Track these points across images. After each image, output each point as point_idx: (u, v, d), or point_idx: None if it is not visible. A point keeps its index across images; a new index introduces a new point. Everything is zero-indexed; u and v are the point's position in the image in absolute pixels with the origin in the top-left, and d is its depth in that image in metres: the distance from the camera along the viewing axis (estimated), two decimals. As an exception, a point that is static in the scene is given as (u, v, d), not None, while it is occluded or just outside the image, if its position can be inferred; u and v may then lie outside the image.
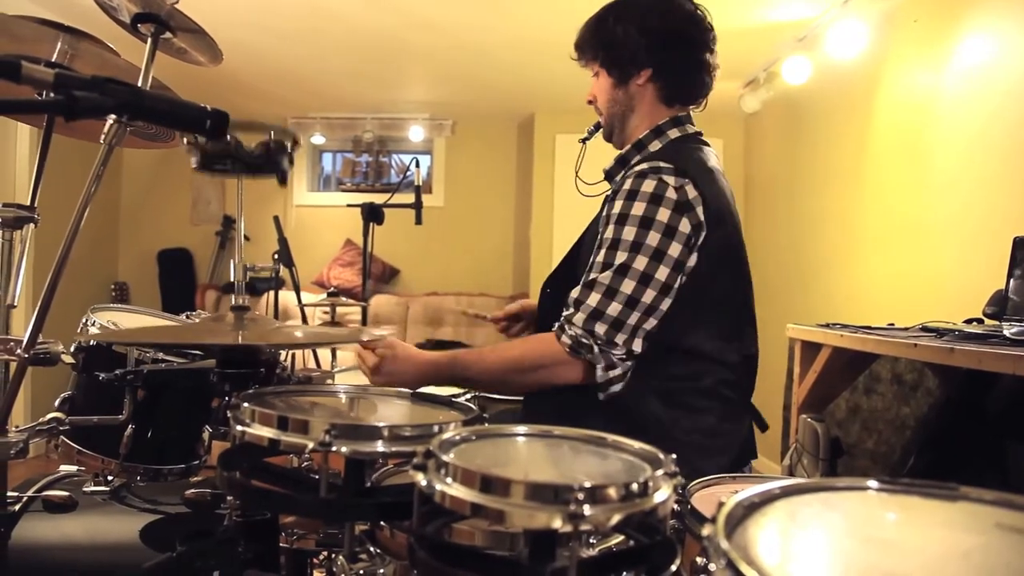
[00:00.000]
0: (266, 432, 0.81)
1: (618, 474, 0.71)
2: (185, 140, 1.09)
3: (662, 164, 1.40)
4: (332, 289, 2.81)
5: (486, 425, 0.81)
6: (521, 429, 0.80)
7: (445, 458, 0.67)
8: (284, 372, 1.47)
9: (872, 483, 0.66)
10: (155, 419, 1.60)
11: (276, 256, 3.16)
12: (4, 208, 1.26)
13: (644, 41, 1.50)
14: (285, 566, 1.11)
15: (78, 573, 1.63)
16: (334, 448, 0.75)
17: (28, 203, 1.39)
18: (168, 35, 1.12)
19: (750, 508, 0.59)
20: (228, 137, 1.05)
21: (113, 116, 1.05)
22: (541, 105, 5.11)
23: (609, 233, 1.39)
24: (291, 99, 5.20)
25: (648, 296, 1.34)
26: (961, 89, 2.60)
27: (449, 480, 0.66)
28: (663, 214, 1.36)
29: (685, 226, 1.36)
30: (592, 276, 1.38)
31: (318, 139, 5.61)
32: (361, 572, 0.91)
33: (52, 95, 0.88)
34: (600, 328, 1.34)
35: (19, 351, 1.15)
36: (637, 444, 0.76)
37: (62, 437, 1.64)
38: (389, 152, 5.84)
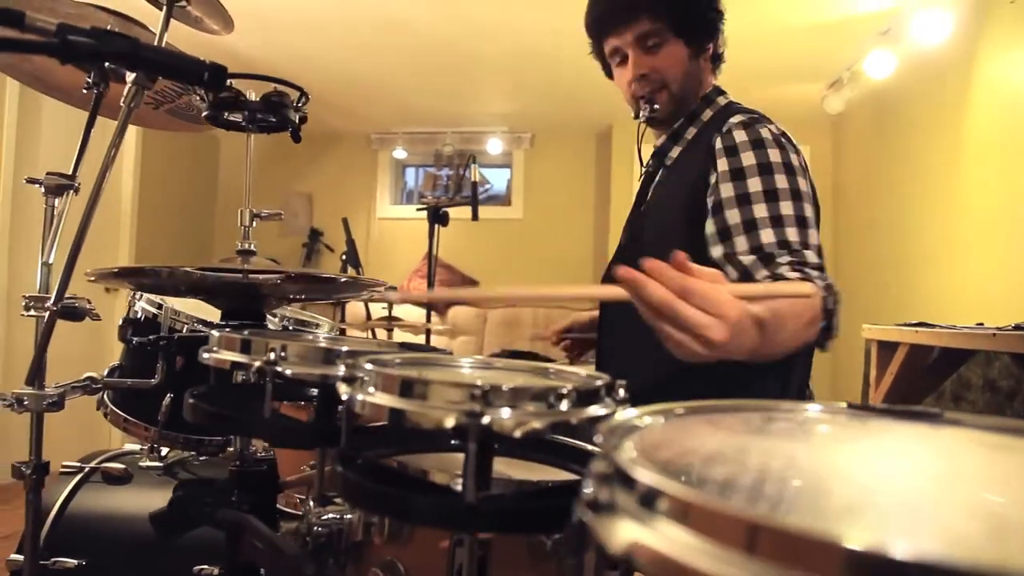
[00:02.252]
0: (228, 356, 0.81)
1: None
2: (196, 96, 1.13)
3: (753, 114, 1.35)
4: (391, 285, 2.85)
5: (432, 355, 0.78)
6: (467, 360, 0.77)
7: (368, 367, 0.65)
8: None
9: (818, 405, 0.59)
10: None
11: (344, 258, 3.26)
12: (48, 176, 1.35)
13: (716, 12, 1.45)
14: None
15: (127, 541, 1.70)
16: (279, 368, 0.74)
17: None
18: (183, 3, 1.17)
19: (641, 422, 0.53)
20: (231, 89, 1.08)
21: (131, 79, 1.10)
22: (619, 115, 5.07)
23: (756, 185, 1.24)
24: (372, 114, 5.38)
25: (814, 237, 1.24)
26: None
27: (371, 389, 0.64)
28: (794, 159, 1.29)
29: (805, 165, 1.31)
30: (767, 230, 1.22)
31: (400, 153, 5.76)
32: (329, 516, 0.90)
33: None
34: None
35: (48, 304, 1.21)
36: (585, 371, 0.71)
37: (111, 406, 1.73)
38: (469, 166, 5.93)
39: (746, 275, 1.17)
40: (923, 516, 0.40)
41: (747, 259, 1.18)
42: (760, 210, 1.20)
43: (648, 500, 0.36)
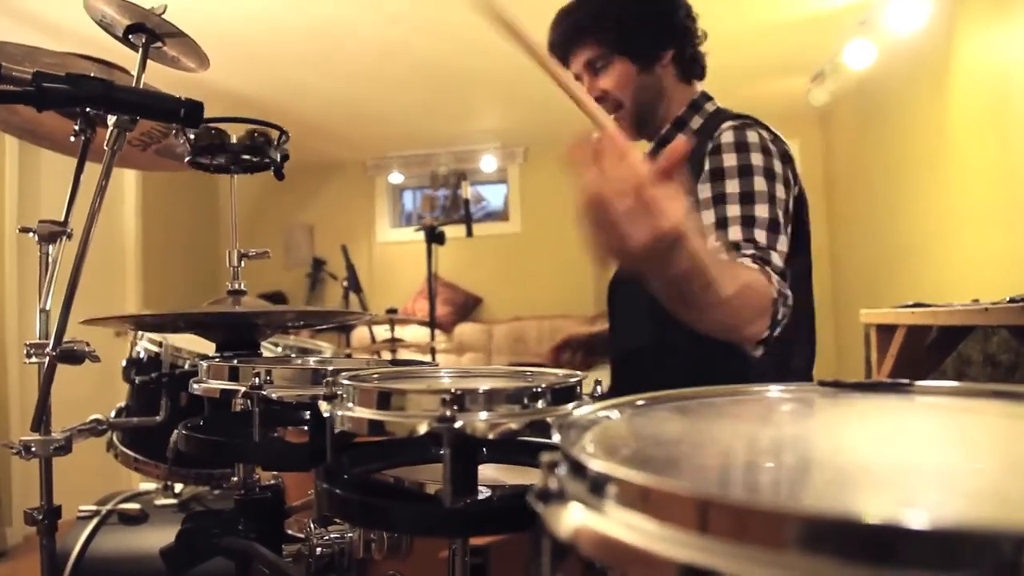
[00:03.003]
0: (216, 384, 0.83)
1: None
2: (175, 136, 1.16)
3: (746, 119, 1.35)
4: (391, 307, 2.88)
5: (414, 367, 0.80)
6: (446, 370, 0.78)
7: (346, 382, 0.66)
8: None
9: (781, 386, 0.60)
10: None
11: (345, 284, 3.28)
12: (40, 224, 1.37)
13: (665, 20, 1.46)
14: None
15: (146, 580, 1.72)
16: (265, 392, 0.76)
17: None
18: (158, 44, 1.20)
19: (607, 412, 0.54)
20: (213, 130, 1.11)
21: (112, 121, 1.13)
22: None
23: (734, 187, 1.24)
24: (366, 140, 5.43)
25: (783, 244, 1.22)
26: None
27: (350, 404, 0.65)
28: (778, 166, 1.28)
29: (790, 178, 1.31)
30: (735, 228, 1.22)
31: (396, 177, 5.81)
32: (331, 536, 0.91)
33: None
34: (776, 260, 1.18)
35: (47, 350, 1.23)
36: (563, 372, 0.73)
37: (120, 447, 1.75)
38: (461, 184, 5.99)
39: None
40: (880, 482, 0.41)
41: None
42: (733, 210, 1.20)
43: (598, 487, 0.37)
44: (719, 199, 1.23)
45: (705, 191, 1.25)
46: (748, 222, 1.18)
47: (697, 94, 1.49)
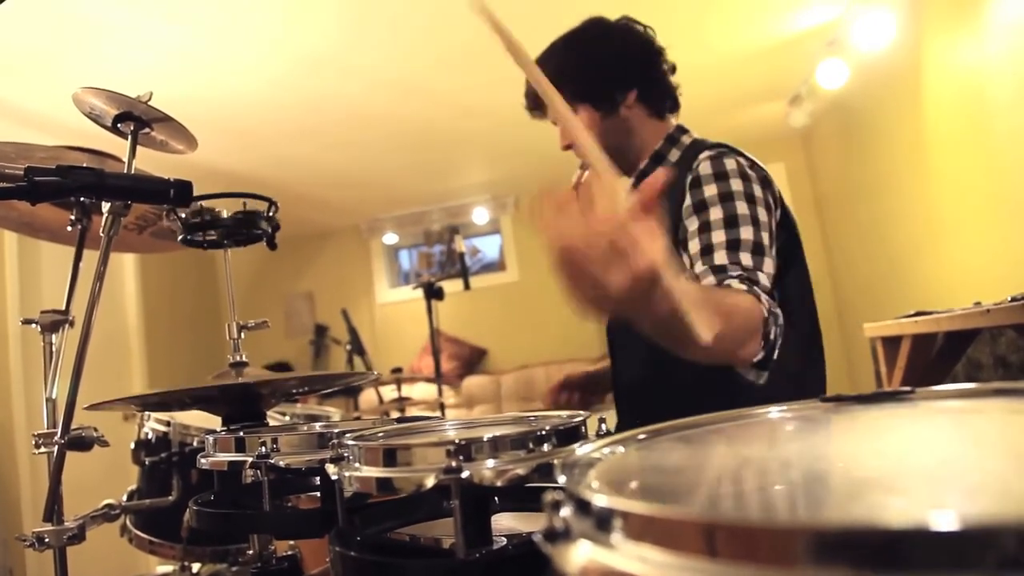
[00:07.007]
0: (224, 457, 0.83)
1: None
2: (167, 217, 1.18)
3: (721, 147, 1.37)
4: (397, 367, 2.88)
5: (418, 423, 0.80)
6: (451, 422, 0.78)
7: (352, 443, 0.66)
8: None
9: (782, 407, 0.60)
10: (211, 501, 1.66)
11: (349, 348, 3.29)
12: (42, 315, 1.39)
13: (622, 64, 1.50)
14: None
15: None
16: (272, 460, 0.76)
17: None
18: (147, 130, 1.23)
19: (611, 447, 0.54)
20: (203, 208, 1.13)
21: (106, 208, 1.16)
22: (595, 164, 5.17)
23: (717, 213, 1.25)
24: (358, 204, 5.49)
25: (769, 266, 1.22)
26: (1009, 45, 2.43)
27: (357, 465, 0.65)
28: (757, 190, 1.30)
29: (771, 201, 1.32)
30: (720, 252, 1.22)
31: (391, 238, 5.86)
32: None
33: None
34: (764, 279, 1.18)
35: (56, 439, 1.23)
36: (567, 413, 0.73)
37: (134, 530, 1.73)
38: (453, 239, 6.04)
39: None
40: (889, 490, 0.40)
41: (699, 269, 1.20)
42: (718, 236, 1.22)
43: (603, 521, 0.37)
44: (704, 228, 1.25)
45: (692, 223, 1.28)
46: (733, 245, 1.20)
47: (672, 128, 1.52)
